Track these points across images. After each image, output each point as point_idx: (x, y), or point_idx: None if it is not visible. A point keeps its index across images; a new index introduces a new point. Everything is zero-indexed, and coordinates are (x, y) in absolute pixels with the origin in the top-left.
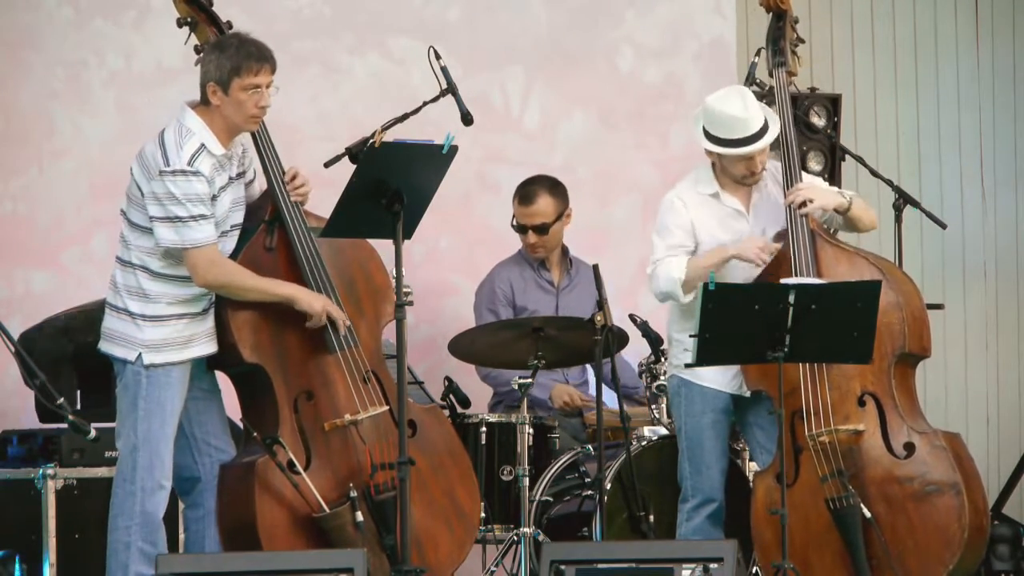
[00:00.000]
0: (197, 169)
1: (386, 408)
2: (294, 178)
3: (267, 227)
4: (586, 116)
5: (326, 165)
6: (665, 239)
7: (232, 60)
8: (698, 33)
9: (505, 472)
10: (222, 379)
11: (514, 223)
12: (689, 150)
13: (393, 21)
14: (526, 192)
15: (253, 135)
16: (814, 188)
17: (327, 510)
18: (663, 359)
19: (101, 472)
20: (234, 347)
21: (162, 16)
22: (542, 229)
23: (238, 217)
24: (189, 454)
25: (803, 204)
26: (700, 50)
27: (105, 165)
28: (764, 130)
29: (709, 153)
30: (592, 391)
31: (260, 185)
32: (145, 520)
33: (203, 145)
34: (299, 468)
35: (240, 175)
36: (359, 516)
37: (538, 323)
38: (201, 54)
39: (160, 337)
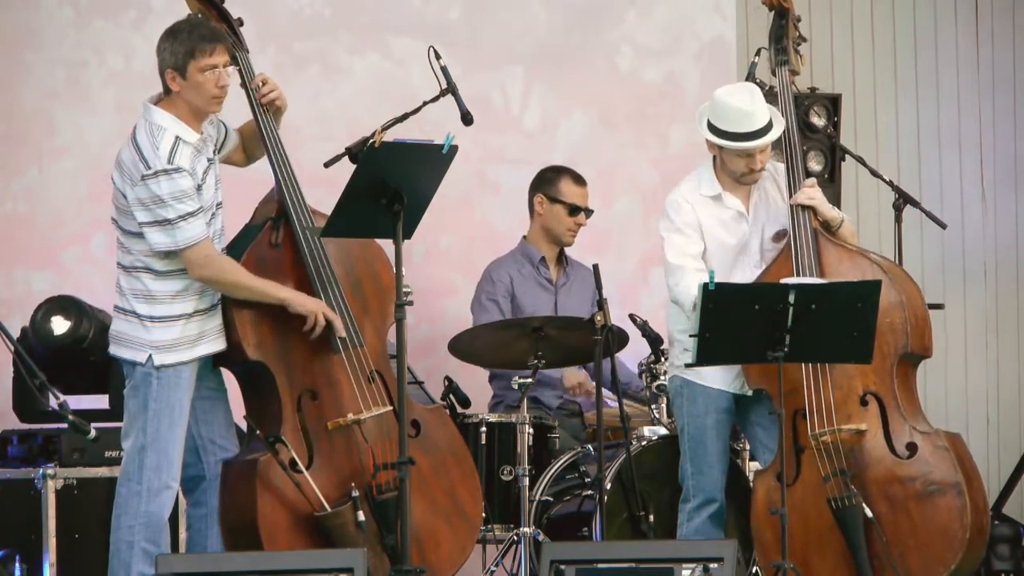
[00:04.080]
0: (178, 165)
1: (390, 408)
2: (264, 83)
3: (273, 224)
4: (586, 116)
5: (326, 165)
6: (678, 238)
7: (185, 44)
8: (698, 33)
9: (505, 472)
10: (228, 379)
11: (564, 202)
12: (689, 150)
13: (393, 21)
14: (576, 173)
15: (262, 133)
16: (818, 191)
17: (328, 509)
18: (663, 359)
19: (101, 472)
20: (239, 344)
21: (162, 16)
22: (589, 210)
23: (221, 195)
24: (194, 452)
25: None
26: (700, 50)
27: (105, 165)
28: (768, 128)
29: (711, 147)
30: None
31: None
32: (149, 520)
33: (178, 137)
34: (301, 467)
35: (217, 151)
36: (361, 516)
37: (538, 323)
38: None
39: (169, 338)
